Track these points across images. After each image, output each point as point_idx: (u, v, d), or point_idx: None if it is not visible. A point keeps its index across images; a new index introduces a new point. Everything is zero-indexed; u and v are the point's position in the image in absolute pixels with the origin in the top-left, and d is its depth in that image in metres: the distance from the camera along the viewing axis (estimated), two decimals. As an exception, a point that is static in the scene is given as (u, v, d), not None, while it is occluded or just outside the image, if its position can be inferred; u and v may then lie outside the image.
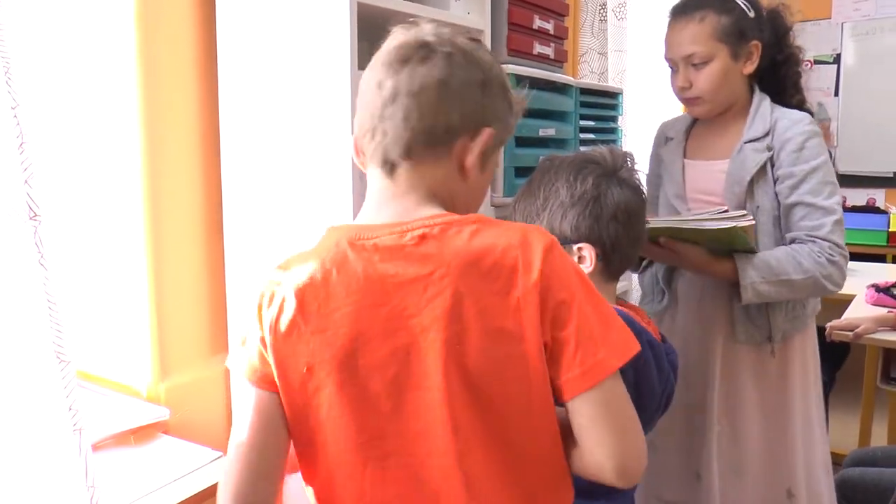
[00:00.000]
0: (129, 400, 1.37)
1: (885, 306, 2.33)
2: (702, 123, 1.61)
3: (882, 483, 1.85)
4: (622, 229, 1.11)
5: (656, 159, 1.68)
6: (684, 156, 1.60)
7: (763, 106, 1.51)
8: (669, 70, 1.54)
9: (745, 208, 1.46)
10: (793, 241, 1.44)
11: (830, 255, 1.39)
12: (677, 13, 1.52)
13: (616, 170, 1.13)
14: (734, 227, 1.32)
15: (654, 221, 1.40)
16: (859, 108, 4.35)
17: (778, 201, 1.47)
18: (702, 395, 1.56)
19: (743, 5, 1.48)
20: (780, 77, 1.56)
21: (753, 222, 1.38)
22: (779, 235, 1.48)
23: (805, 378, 1.60)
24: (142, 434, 1.29)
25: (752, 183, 1.46)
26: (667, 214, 1.58)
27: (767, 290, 1.40)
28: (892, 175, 4.29)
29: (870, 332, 2.13)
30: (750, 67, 1.50)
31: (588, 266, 1.10)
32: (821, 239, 1.40)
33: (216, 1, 1.36)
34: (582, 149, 1.89)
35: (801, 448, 1.60)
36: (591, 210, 1.09)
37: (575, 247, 1.10)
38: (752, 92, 1.55)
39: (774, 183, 1.47)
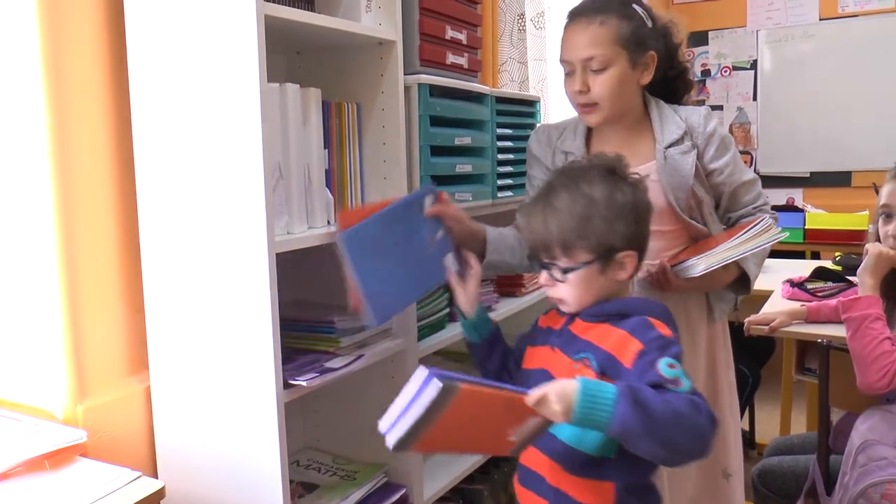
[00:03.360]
0: (43, 423, 1.35)
1: (799, 300, 2.45)
2: (600, 134, 1.63)
3: (797, 469, 1.95)
4: (647, 229, 1.23)
5: (546, 171, 1.63)
6: None
7: (664, 109, 1.59)
8: (564, 74, 1.56)
9: (690, 207, 1.57)
10: (741, 217, 1.63)
11: (772, 214, 1.59)
12: (577, 15, 1.54)
13: (624, 173, 1.23)
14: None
15: (703, 260, 1.45)
16: (777, 111, 4.56)
17: (713, 191, 1.62)
18: None
19: (643, 14, 1.54)
20: (672, 90, 1.66)
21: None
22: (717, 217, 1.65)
23: (728, 359, 1.73)
24: (58, 458, 1.27)
25: None
26: None
27: (757, 271, 1.61)
28: (808, 175, 4.51)
29: (784, 325, 2.24)
30: (646, 78, 1.55)
31: (625, 274, 1.19)
32: (762, 207, 1.64)
33: (125, 13, 1.37)
34: (500, 157, 1.96)
35: (732, 427, 1.69)
36: (632, 217, 1.18)
37: (618, 256, 1.18)
38: (645, 102, 1.61)
39: (706, 176, 1.59)
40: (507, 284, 2.14)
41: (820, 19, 4.48)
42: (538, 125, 1.77)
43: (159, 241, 1.39)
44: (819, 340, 1.85)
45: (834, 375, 1.82)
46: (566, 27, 1.56)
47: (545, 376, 1.17)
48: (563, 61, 1.55)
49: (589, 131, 1.64)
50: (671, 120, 1.58)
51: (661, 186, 1.54)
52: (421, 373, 0.99)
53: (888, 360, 1.65)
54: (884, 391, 1.67)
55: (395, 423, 1.01)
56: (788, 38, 4.59)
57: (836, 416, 1.94)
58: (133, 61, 1.37)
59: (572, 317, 1.24)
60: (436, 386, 0.96)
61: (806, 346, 2.32)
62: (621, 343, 1.12)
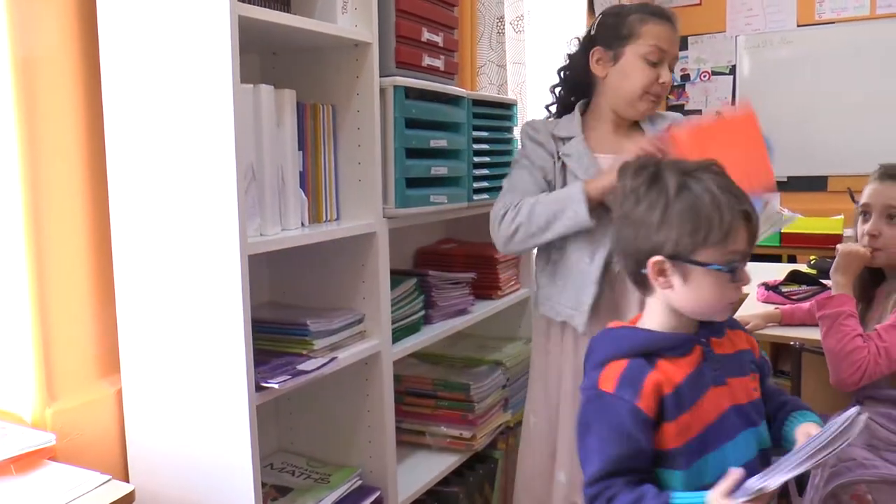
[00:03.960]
0: (11, 427, 1.34)
1: (773, 303, 2.48)
2: (595, 122, 1.76)
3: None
4: None
5: (549, 155, 1.73)
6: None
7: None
8: (652, 65, 1.66)
9: None
10: None
11: None
12: (671, 18, 1.70)
13: None
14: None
15: None
16: (758, 115, 4.61)
17: None
18: None
19: None
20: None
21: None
22: None
23: None
24: (25, 462, 1.26)
25: None
26: None
27: None
28: (786, 180, 4.56)
29: (759, 328, 2.27)
30: None
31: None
32: None
33: (97, 13, 1.37)
34: (476, 160, 1.97)
35: None
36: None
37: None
38: None
39: None
40: (484, 287, 2.15)
41: (798, 26, 4.54)
42: (530, 121, 1.82)
43: (131, 242, 1.38)
44: (792, 343, 1.88)
45: (806, 377, 1.85)
46: (664, 23, 1.68)
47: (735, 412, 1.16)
48: (661, 50, 1.66)
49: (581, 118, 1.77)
50: (659, 119, 1.75)
51: None
52: None
53: (860, 355, 1.68)
54: (856, 387, 1.70)
55: None
56: (767, 43, 4.65)
57: (808, 418, 1.96)
58: (105, 61, 1.36)
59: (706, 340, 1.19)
60: None
61: (780, 349, 2.35)
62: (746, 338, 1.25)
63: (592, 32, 1.75)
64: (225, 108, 1.24)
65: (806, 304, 2.27)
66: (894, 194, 1.84)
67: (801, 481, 1.84)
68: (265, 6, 1.38)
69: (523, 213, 1.63)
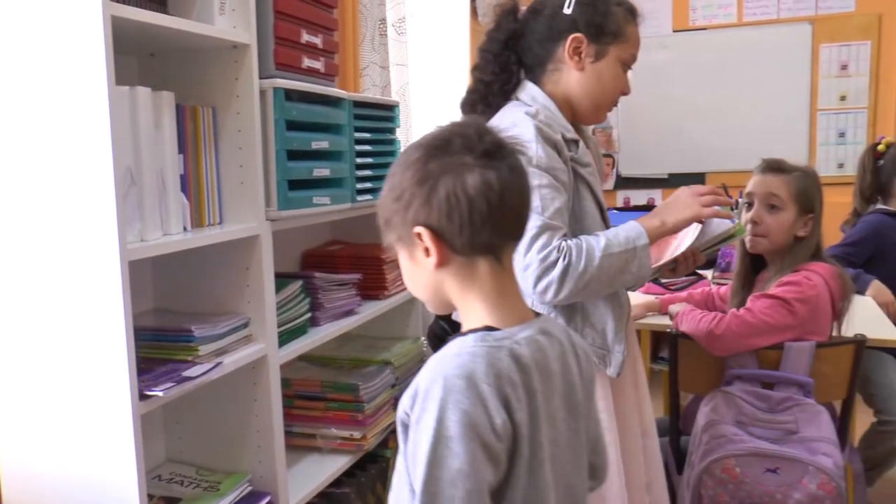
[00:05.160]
0: None
1: (653, 293, 2.66)
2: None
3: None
4: None
5: (565, 167, 1.48)
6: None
7: None
8: (625, 71, 1.59)
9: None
10: None
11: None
12: (640, 18, 1.61)
13: None
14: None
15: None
16: (637, 117, 4.86)
17: None
18: None
19: None
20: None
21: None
22: None
23: None
24: None
25: None
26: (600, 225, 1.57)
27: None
28: (666, 177, 4.85)
29: (639, 317, 2.43)
30: None
31: None
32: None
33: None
34: (359, 161, 2.02)
35: None
36: None
37: None
38: None
39: None
40: (371, 287, 2.20)
41: (673, 31, 4.83)
42: (535, 113, 1.49)
43: (5, 249, 1.36)
44: (669, 330, 2.02)
45: (683, 361, 1.99)
46: (635, 28, 1.59)
47: None
48: (635, 58, 1.60)
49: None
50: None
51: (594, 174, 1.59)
52: None
53: (708, 316, 1.90)
54: (727, 335, 1.85)
55: None
56: (646, 47, 4.80)
57: (685, 400, 2.13)
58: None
59: None
60: None
61: (659, 336, 2.52)
62: None
63: (569, 12, 1.54)
64: (101, 111, 1.25)
65: (683, 293, 2.46)
66: (774, 185, 2.02)
67: (680, 460, 1.99)
68: (140, 7, 1.39)
69: (585, 258, 1.38)
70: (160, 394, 1.36)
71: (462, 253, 1.00)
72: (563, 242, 1.38)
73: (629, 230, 1.44)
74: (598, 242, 1.40)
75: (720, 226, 1.58)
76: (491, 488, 0.92)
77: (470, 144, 0.99)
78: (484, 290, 1.02)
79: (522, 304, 1.06)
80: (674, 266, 1.62)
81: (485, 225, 0.97)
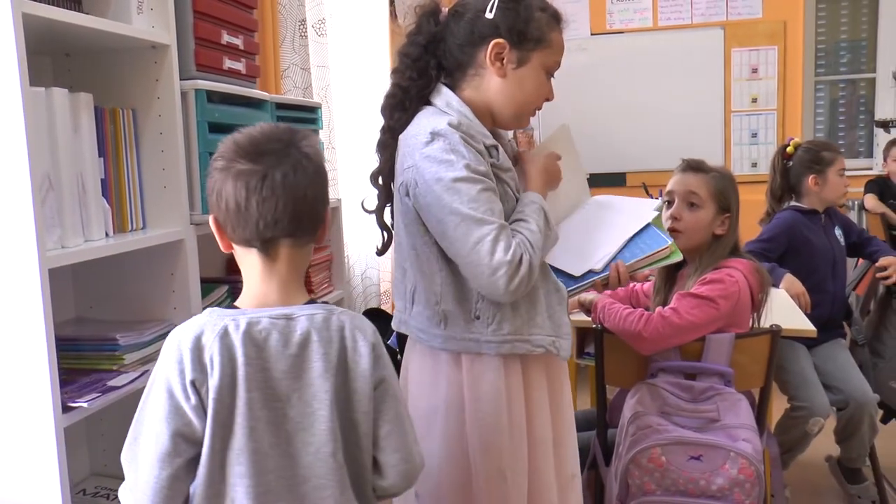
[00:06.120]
0: None
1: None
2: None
3: (581, 445, 2.18)
4: None
5: (489, 174, 1.45)
6: None
7: None
8: (549, 77, 1.57)
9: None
10: None
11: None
12: (563, 24, 1.59)
13: None
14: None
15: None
16: (558, 118, 4.91)
17: None
18: None
19: None
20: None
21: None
22: None
23: None
24: None
25: None
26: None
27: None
28: (588, 176, 4.95)
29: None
30: None
31: None
32: None
33: None
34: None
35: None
36: None
37: None
38: None
39: None
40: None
41: (591, 34, 4.97)
42: (456, 124, 1.44)
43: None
44: (594, 325, 2.08)
45: (608, 355, 2.06)
46: (559, 35, 1.57)
47: None
48: (558, 65, 1.58)
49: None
50: None
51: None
52: None
53: (634, 315, 1.94)
54: (654, 344, 1.91)
55: None
56: (565, 50, 5.02)
57: (612, 393, 2.19)
58: None
59: None
60: None
61: (585, 332, 2.58)
62: None
63: (491, 16, 1.49)
64: (15, 113, 1.22)
65: (608, 290, 2.53)
66: (693, 183, 2.11)
67: (607, 452, 2.06)
68: (55, 5, 1.37)
69: (535, 247, 1.42)
70: (85, 405, 1.34)
71: (235, 242, 1.18)
72: (517, 239, 1.40)
73: (532, 203, 1.49)
74: (528, 227, 1.44)
75: (653, 239, 1.65)
76: (185, 435, 1.08)
77: (241, 147, 1.14)
78: (251, 276, 1.19)
79: (284, 293, 1.18)
80: (605, 282, 1.66)
81: (239, 223, 1.13)
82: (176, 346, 1.10)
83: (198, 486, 1.10)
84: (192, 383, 1.07)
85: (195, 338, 1.09)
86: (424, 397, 1.54)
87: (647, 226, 1.69)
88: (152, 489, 1.07)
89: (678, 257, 1.66)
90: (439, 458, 1.51)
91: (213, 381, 1.08)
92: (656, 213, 1.72)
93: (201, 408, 1.08)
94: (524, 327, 1.49)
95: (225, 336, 1.09)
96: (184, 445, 1.08)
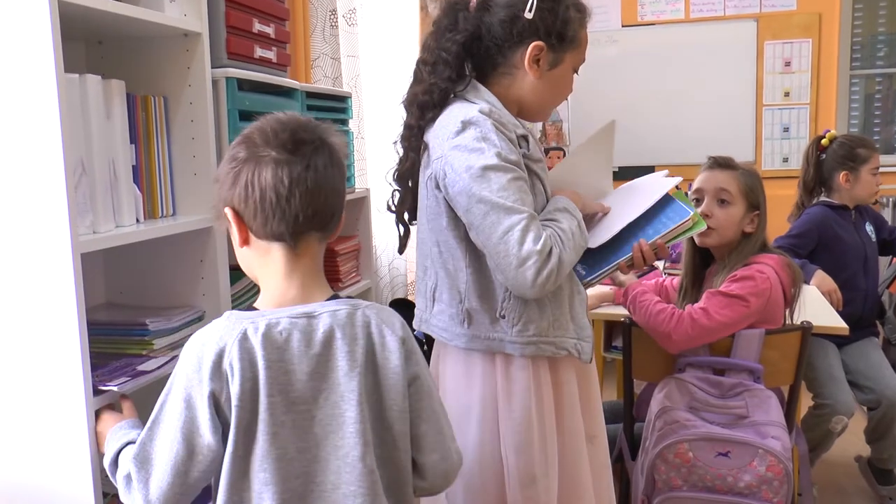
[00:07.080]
0: None
1: (606, 284, 2.71)
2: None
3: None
4: None
5: (520, 163, 1.42)
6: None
7: None
8: (574, 73, 1.56)
9: None
10: None
11: None
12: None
13: None
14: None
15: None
16: (587, 110, 4.93)
17: None
18: None
19: None
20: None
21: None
22: None
23: None
24: None
25: None
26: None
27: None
28: (617, 169, 4.89)
29: (594, 307, 2.48)
30: None
31: None
32: None
33: None
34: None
35: None
36: None
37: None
38: None
39: None
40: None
41: (622, 26, 4.92)
42: (488, 110, 1.42)
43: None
44: (623, 320, 2.07)
45: (636, 349, 2.05)
46: (586, 31, 1.55)
47: None
48: (583, 61, 1.57)
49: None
50: None
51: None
52: None
53: (665, 314, 1.92)
54: (683, 344, 1.90)
55: None
56: (595, 42, 4.93)
57: (639, 388, 2.18)
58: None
59: None
60: None
61: (613, 326, 2.57)
62: None
63: (531, 15, 1.45)
64: (50, 100, 1.23)
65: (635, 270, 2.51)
66: (723, 180, 2.08)
67: (634, 446, 2.05)
68: (88, -8, 1.37)
69: (566, 244, 1.38)
70: (115, 388, 1.35)
71: (258, 236, 1.13)
72: (548, 231, 1.36)
73: (564, 210, 1.46)
74: (559, 225, 1.40)
75: (675, 211, 1.62)
76: (200, 446, 1.07)
77: (274, 136, 1.10)
78: (272, 273, 1.15)
79: (305, 290, 1.15)
80: (630, 263, 1.63)
81: (275, 215, 1.09)
82: (195, 355, 1.08)
83: (220, 494, 1.08)
84: (211, 394, 1.06)
85: (214, 345, 1.07)
86: (459, 395, 1.52)
87: (669, 199, 1.65)
88: (165, 495, 1.08)
89: (702, 226, 1.62)
90: (472, 456, 1.49)
91: (234, 387, 1.06)
92: (675, 185, 1.70)
93: (218, 419, 1.07)
94: (549, 329, 1.47)
95: (244, 340, 1.07)
96: (199, 455, 1.07)
